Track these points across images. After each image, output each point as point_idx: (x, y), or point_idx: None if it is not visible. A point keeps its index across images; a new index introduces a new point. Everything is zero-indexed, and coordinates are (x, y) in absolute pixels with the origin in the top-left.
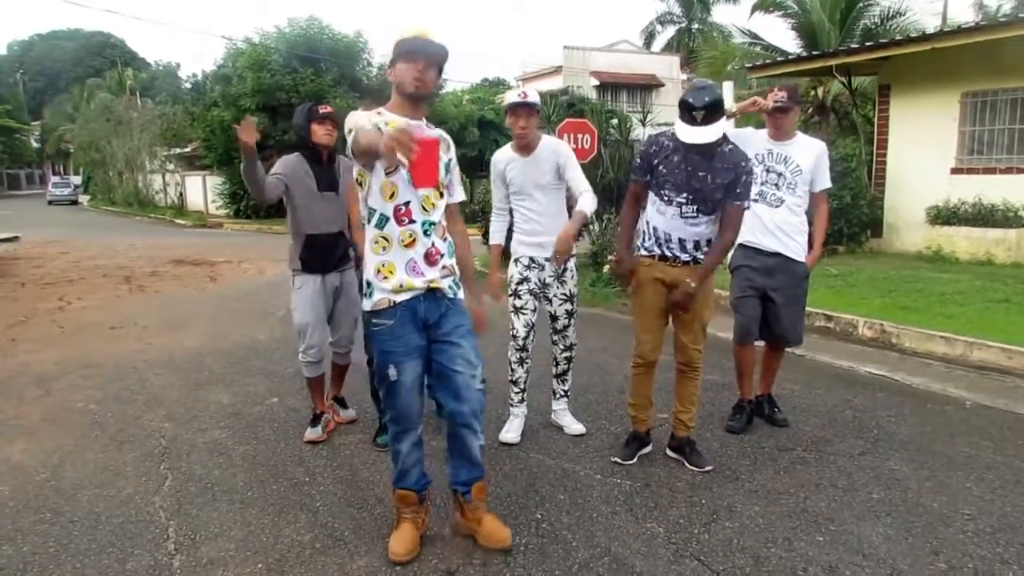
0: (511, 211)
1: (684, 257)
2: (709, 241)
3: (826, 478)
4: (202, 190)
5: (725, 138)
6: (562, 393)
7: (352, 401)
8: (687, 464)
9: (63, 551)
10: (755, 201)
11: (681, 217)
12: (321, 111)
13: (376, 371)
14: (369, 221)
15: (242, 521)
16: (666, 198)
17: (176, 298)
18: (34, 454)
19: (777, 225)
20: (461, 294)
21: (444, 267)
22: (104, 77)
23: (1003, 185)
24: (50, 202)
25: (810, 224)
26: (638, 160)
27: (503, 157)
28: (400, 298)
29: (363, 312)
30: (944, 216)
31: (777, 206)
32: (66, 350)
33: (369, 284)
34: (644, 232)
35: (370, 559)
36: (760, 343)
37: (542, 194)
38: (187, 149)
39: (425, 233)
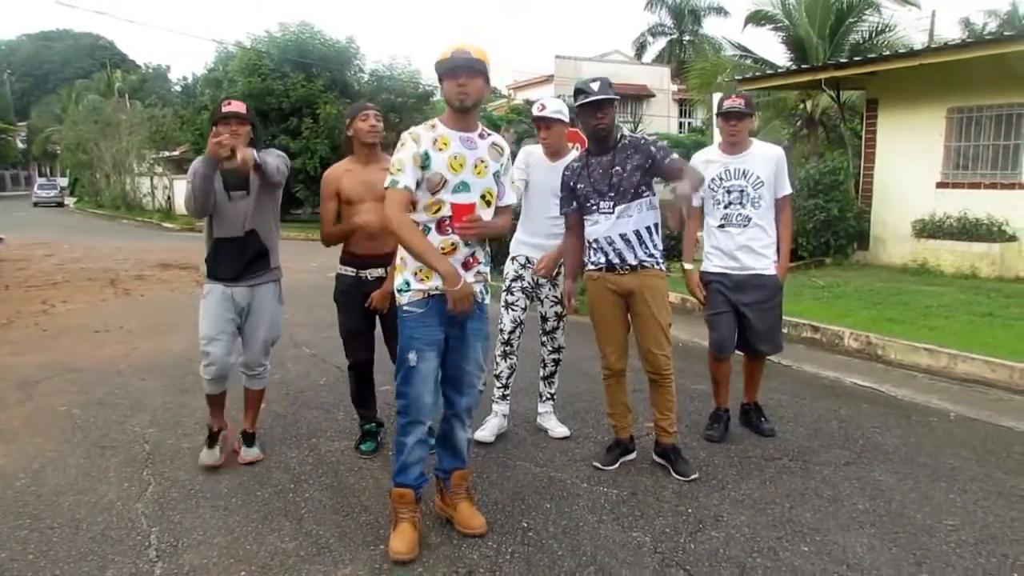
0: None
1: (632, 261)
2: (649, 230)
3: (811, 488)
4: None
5: (622, 135)
6: (548, 395)
7: (337, 406)
8: (672, 472)
9: (42, 557)
10: (720, 227)
11: (611, 213)
12: (224, 109)
13: (398, 356)
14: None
15: (225, 528)
16: (593, 207)
17: (162, 302)
18: (14, 459)
19: (746, 245)
20: (488, 300)
21: (479, 273)
22: (93, 78)
23: (987, 200)
24: (35, 204)
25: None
26: (562, 194)
27: (534, 153)
28: (433, 292)
29: (396, 304)
30: (930, 230)
31: (745, 226)
32: (49, 354)
33: (408, 283)
34: (589, 250)
35: (355, 567)
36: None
37: (555, 200)
38: (176, 152)
39: (466, 243)
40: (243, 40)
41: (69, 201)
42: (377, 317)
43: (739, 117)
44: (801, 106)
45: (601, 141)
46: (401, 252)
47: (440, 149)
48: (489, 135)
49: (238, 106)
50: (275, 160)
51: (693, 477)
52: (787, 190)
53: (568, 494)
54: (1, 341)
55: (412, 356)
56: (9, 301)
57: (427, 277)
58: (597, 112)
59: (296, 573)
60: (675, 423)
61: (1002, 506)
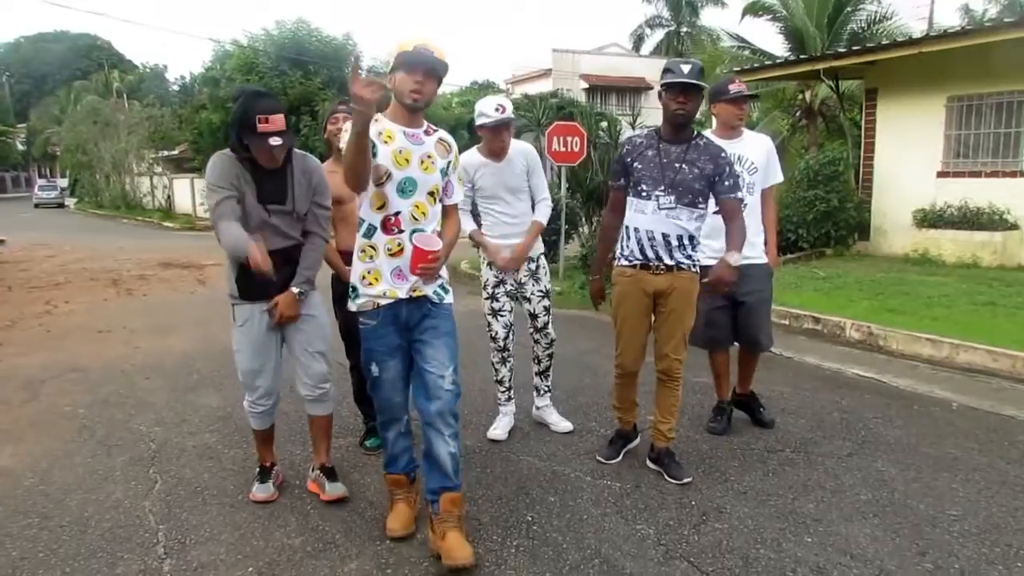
0: (476, 214)
1: (668, 261)
2: (691, 238)
3: (814, 479)
4: (190, 193)
5: (699, 133)
6: (546, 389)
7: (340, 403)
8: (666, 477)
9: (52, 555)
10: (715, 213)
11: (660, 210)
12: (260, 128)
13: (362, 364)
14: (358, 230)
15: (232, 525)
16: (644, 194)
17: (164, 301)
18: (22, 459)
19: None
20: (449, 298)
21: (434, 277)
22: (91, 79)
23: (988, 188)
24: (36, 205)
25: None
26: (615, 165)
27: (472, 162)
28: (384, 301)
29: (349, 311)
30: (931, 219)
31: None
32: (53, 354)
33: (355, 289)
34: (624, 239)
35: (361, 562)
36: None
37: (514, 197)
38: (175, 152)
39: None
40: (240, 38)
41: (70, 202)
42: None
43: (746, 99)
44: (800, 96)
45: (677, 128)
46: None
47: (385, 142)
48: (435, 131)
49: (277, 122)
50: (310, 256)
51: (687, 481)
52: (778, 178)
53: (572, 487)
54: (6, 342)
55: (374, 368)
56: (12, 302)
57: (374, 281)
58: (680, 96)
59: (303, 569)
60: (673, 428)
61: (1005, 496)
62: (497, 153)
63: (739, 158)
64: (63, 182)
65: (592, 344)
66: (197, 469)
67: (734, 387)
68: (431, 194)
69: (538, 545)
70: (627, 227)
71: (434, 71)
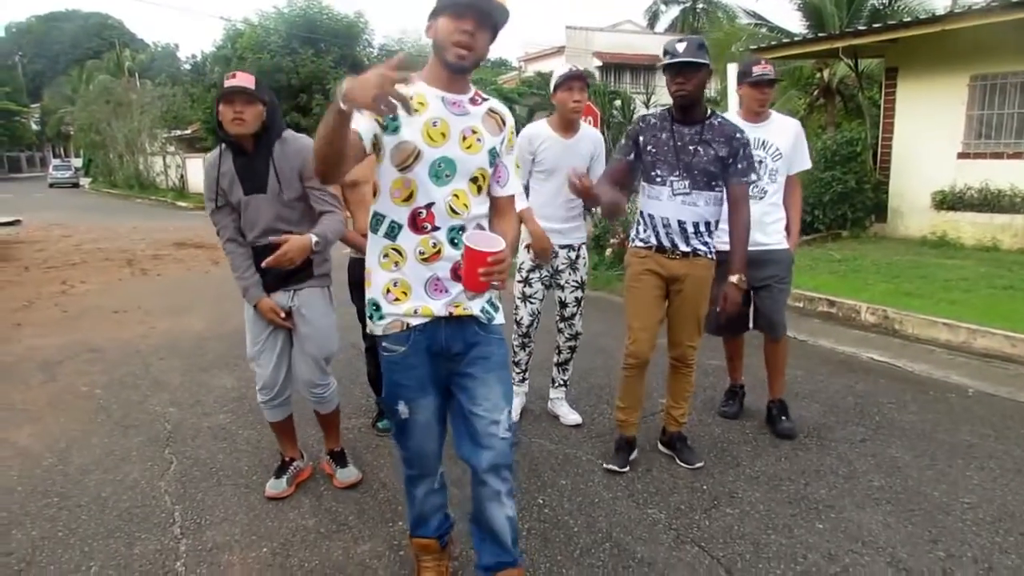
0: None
1: (684, 248)
2: (708, 224)
3: (827, 465)
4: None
5: (714, 112)
6: (561, 382)
7: (355, 382)
8: (678, 461)
9: (71, 535)
10: None
11: (675, 195)
12: (227, 83)
13: (385, 405)
14: (376, 230)
15: (247, 505)
16: (658, 179)
17: (178, 281)
18: (41, 439)
19: (760, 219)
20: (500, 317)
21: (498, 288)
22: (103, 59)
23: (1011, 170)
24: (51, 185)
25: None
26: (625, 140)
27: (539, 133)
28: (415, 321)
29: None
30: (950, 201)
31: (761, 198)
32: (70, 334)
33: (377, 306)
34: (639, 224)
35: (374, 543)
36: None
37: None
38: (187, 131)
39: (453, 242)
40: (251, 17)
41: (84, 182)
42: None
43: (771, 84)
44: (818, 75)
45: (685, 109)
46: (368, 260)
47: (415, 110)
48: (485, 100)
49: (244, 79)
50: (330, 223)
51: (699, 465)
52: (806, 165)
53: (583, 471)
54: (24, 322)
55: (402, 408)
56: (29, 283)
57: (402, 295)
58: (677, 76)
59: (316, 549)
60: (686, 413)
61: (1020, 484)
62: (567, 125)
63: (763, 143)
64: (77, 162)
65: (604, 326)
66: (212, 450)
67: (768, 399)
68: (474, 181)
69: (549, 528)
70: (642, 213)
71: (489, 17)
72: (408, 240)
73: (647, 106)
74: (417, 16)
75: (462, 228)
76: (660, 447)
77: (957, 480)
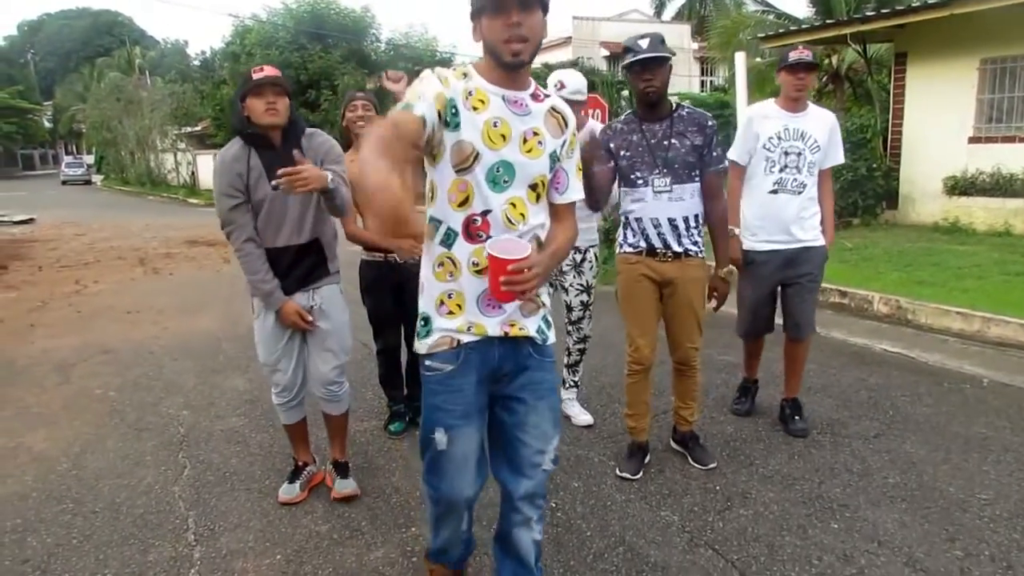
0: None
1: (676, 247)
2: (697, 217)
3: (841, 462)
4: (213, 169)
5: (679, 104)
6: (572, 383)
7: (366, 384)
8: (690, 460)
9: (86, 542)
10: (774, 192)
11: (659, 193)
12: (255, 76)
13: (420, 433)
14: (432, 236)
15: (260, 511)
16: (639, 180)
17: (191, 280)
18: (56, 442)
19: (798, 215)
20: (553, 336)
21: (532, 299)
22: (113, 56)
23: (1023, 154)
24: (64, 182)
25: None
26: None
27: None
28: (467, 339)
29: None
30: (961, 187)
31: (799, 192)
32: (84, 335)
33: (427, 320)
34: (626, 230)
35: (387, 550)
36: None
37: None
38: (197, 128)
39: None
40: (259, 13)
41: (96, 179)
42: (406, 300)
43: (808, 69)
44: (826, 61)
45: (652, 106)
46: (423, 271)
47: (475, 108)
48: (546, 96)
49: (272, 71)
50: (334, 158)
51: (712, 466)
52: (839, 159)
53: (596, 472)
54: (38, 323)
55: (440, 436)
56: (43, 282)
57: (456, 310)
58: (644, 73)
59: (329, 556)
60: (696, 412)
61: None
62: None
63: (802, 134)
64: (89, 159)
65: (614, 321)
66: (225, 454)
67: (783, 397)
68: (533, 188)
69: (562, 532)
70: (627, 217)
71: (526, 0)
72: (462, 250)
73: (694, 108)
74: (423, 11)
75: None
76: (672, 445)
77: (973, 475)
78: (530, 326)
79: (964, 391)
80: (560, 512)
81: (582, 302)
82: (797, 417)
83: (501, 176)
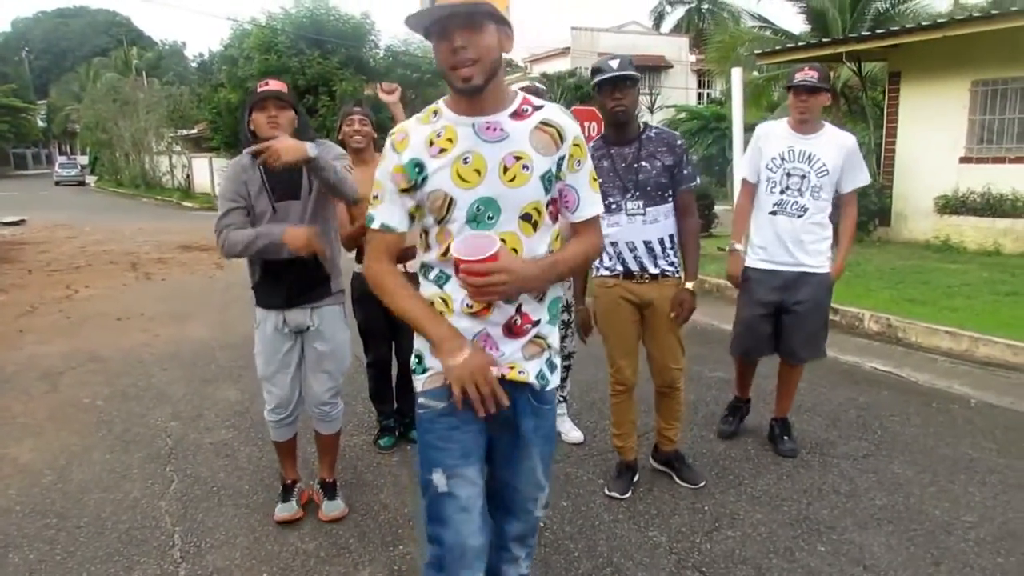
0: None
1: (652, 270)
2: (672, 238)
3: (829, 483)
4: (209, 172)
5: (647, 125)
6: (560, 399)
7: (356, 397)
8: (677, 480)
9: (69, 558)
10: (773, 213)
11: (633, 216)
12: (260, 89)
13: (420, 478)
14: (426, 276)
15: (247, 527)
16: (613, 206)
17: (183, 286)
18: (41, 454)
19: (799, 238)
20: (554, 379)
21: (535, 341)
22: (110, 56)
23: (1012, 175)
24: (57, 182)
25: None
26: None
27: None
28: None
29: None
30: (953, 205)
31: (799, 216)
32: (73, 342)
33: (420, 358)
34: (602, 254)
35: (374, 568)
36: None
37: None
38: (194, 131)
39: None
40: (258, 17)
41: (90, 180)
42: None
43: (809, 91)
44: None
45: (620, 127)
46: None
47: (443, 149)
48: (534, 110)
49: (277, 85)
50: (334, 157)
51: (701, 484)
52: (861, 182)
53: (584, 491)
54: (27, 329)
55: (439, 479)
56: (32, 286)
57: None
58: (614, 92)
59: (317, 574)
60: (679, 431)
61: (1022, 500)
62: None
63: (808, 157)
64: (83, 160)
65: None
66: (213, 468)
67: (773, 416)
68: (526, 219)
69: (550, 553)
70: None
71: (472, 17)
72: (455, 291)
73: (651, 111)
74: None
75: None
76: (654, 464)
77: (959, 497)
78: (530, 370)
79: (952, 411)
80: (548, 532)
81: (563, 321)
82: (786, 437)
83: (484, 214)
